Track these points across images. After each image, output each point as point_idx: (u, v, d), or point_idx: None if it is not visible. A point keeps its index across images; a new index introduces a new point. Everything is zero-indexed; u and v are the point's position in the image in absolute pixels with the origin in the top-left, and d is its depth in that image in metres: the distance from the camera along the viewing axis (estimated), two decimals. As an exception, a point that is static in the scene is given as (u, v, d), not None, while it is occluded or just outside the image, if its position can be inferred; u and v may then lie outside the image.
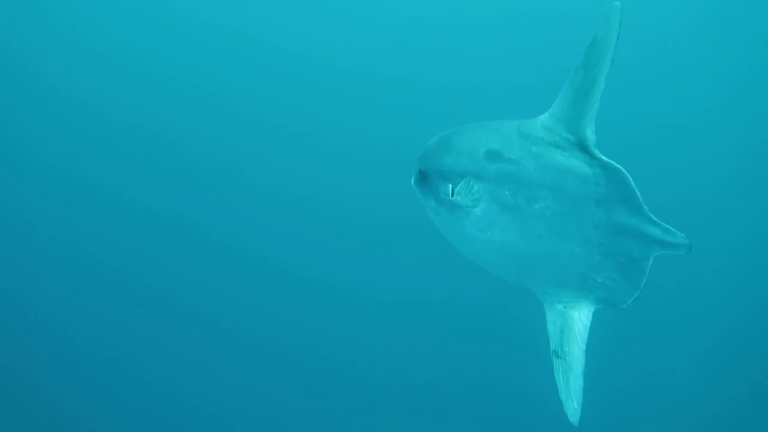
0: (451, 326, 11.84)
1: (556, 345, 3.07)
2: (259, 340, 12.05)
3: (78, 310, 11.98)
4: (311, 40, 17.73)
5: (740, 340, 12.13)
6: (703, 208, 13.65)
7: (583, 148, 2.88)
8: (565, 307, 3.09)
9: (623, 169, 2.84)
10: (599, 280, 2.99)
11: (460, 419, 11.09)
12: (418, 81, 17.15)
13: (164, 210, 14.21)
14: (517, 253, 3.11)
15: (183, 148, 15.56)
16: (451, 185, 3.17)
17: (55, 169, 14.44)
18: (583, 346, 3.00)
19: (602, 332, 3.08)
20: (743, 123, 15.70)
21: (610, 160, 2.86)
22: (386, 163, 13.35)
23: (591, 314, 3.05)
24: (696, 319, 12.54)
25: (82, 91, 15.92)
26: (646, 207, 2.82)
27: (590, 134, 2.86)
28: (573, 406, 2.91)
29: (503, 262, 3.20)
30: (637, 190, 2.82)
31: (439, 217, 3.32)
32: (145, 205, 14.18)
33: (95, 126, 15.42)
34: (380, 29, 17.81)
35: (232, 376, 11.54)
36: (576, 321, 3.06)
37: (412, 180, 3.40)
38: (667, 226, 2.82)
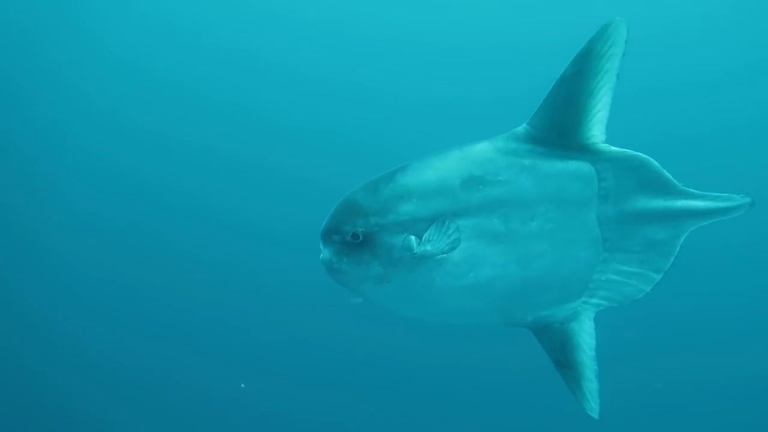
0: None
1: (559, 357, 2.81)
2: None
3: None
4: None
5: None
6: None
7: (583, 148, 2.73)
8: (562, 324, 2.84)
9: (643, 155, 2.72)
10: (603, 279, 2.80)
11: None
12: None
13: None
14: (510, 285, 2.75)
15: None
16: (413, 236, 2.67)
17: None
18: (592, 353, 2.79)
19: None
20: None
21: (625, 150, 2.74)
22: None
23: (592, 320, 2.84)
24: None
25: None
26: (680, 183, 2.73)
27: (597, 135, 2.73)
28: (591, 406, 2.74)
29: (489, 303, 2.79)
30: (664, 171, 2.72)
31: (385, 284, 2.74)
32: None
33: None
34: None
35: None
36: (577, 332, 2.81)
37: (327, 253, 2.79)
38: (716, 194, 2.72)
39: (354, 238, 2.72)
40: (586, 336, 2.82)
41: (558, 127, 2.74)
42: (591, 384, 2.75)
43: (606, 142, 2.75)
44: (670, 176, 2.73)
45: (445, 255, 2.68)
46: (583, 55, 2.64)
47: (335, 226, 2.77)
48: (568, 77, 2.68)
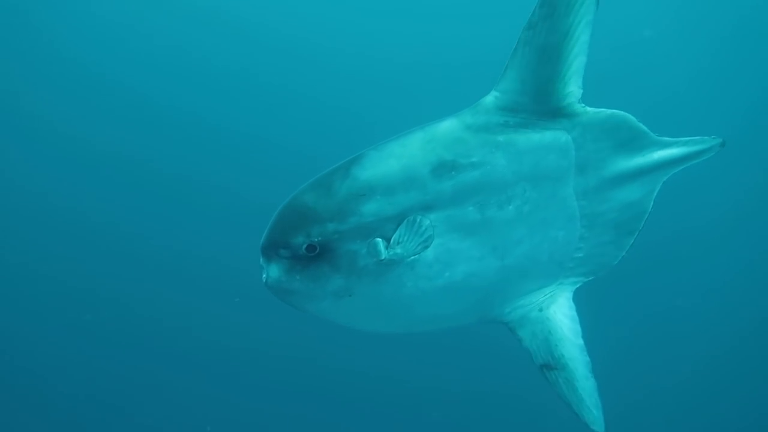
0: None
1: (545, 357, 2.52)
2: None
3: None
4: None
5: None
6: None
7: (558, 112, 2.46)
8: (541, 310, 2.59)
9: (621, 113, 2.52)
10: (581, 255, 2.59)
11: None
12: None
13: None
14: (487, 280, 2.51)
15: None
16: (379, 240, 2.36)
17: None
18: (580, 341, 2.53)
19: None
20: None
21: (601, 110, 2.50)
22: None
23: (571, 299, 2.61)
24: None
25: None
26: (655, 134, 2.53)
27: (573, 91, 2.45)
28: (593, 413, 2.43)
29: (465, 302, 2.54)
30: (641, 124, 2.51)
31: (347, 299, 2.43)
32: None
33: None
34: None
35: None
36: (559, 317, 2.57)
37: (275, 271, 2.44)
38: (688, 138, 2.55)
39: (309, 250, 2.38)
40: (568, 321, 2.59)
41: (532, 88, 2.44)
42: (587, 383, 2.46)
43: (582, 99, 2.51)
44: (647, 129, 2.54)
45: (417, 256, 2.37)
46: None
47: (283, 239, 2.40)
48: (537, 21, 2.34)
